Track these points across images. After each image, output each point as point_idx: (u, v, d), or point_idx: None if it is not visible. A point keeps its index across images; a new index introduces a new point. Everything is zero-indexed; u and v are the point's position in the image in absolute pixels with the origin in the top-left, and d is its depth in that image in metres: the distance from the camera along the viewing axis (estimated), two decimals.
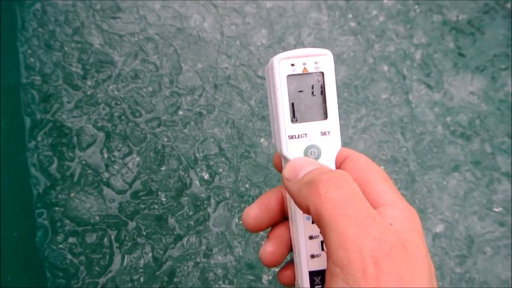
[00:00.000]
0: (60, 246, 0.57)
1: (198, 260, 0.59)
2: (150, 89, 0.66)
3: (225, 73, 0.69)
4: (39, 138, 0.61)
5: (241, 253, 0.61)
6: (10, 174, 0.55)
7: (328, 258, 0.26)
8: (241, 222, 0.62)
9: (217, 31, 0.71)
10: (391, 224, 0.28)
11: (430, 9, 0.81)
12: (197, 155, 0.64)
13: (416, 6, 0.81)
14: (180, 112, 0.65)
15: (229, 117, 0.66)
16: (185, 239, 0.60)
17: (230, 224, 0.62)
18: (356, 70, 0.73)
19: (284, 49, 0.72)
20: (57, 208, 0.59)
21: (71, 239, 0.58)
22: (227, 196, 0.63)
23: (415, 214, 0.31)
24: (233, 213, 0.62)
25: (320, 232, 0.28)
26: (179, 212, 0.61)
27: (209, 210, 0.62)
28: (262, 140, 0.66)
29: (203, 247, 0.60)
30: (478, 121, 0.75)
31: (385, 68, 0.75)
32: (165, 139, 0.64)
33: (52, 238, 0.58)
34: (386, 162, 0.70)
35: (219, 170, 0.64)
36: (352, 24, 0.76)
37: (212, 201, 0.63)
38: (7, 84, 0.60)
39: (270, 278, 0.60)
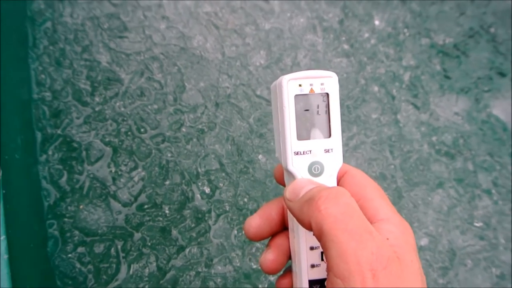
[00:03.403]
0: (70, 255, 0.61)
1: (199, 269, 0.63)
2: (155, 106, 0.69)
3: (226, 92, 0.72)
4: (49, 152, 0.64)
5: (239, 264, 0.64)
6: (24, 186, 0.58)
7: (329, 270, 0.28)
8: (240, 234, 0.65)
9: (219, 52, 0.75)
10: (387, 238, 0.30)
11: (418, 33, 0.86)
12: (199, 170, 0.68)
13: (405, 30, 0.85)
14: (183, 129, 0.69)
15: (229, 134, 0.70)
16: (187, 250, 0.64)
17: (230, 235, 0.65)
18: (349, 90, 0.78)
19: (282, 70, 0.76)
20: (66, 219, 0.62)
21: (80, 249, 0.61)
22: (227, 209, 0.67)
23: (409, 229, 0.32)
24: (232, 226, 0.66)
25: (321, 246, 0.29)
26: (182, 224, 0.65)
27: (210, 222, 0.66)
28: (260, 156, 0.70)
29: (204, 258, 0.64)
30: (462, 140, 0.80)
31: (376, 89, 0.79)
32: (169, 155, 0.67)
33: (62, 248, 0.61)
34: (375, 178, 0.74)
35: (220, 184, 0.68)
36: (346, 46, 0.81)
37: (213, 214, 0.66)
38: (21, 100, 0.63)
39: (266, 286, 0.64)
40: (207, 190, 0.67)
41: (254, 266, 0.64)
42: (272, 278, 0.64)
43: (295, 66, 0.77)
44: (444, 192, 0.76)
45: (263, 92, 0.74)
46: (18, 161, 0.55)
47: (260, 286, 0.64)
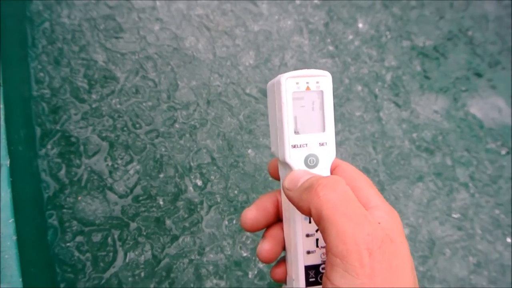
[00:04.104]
0: (69, 244, 0.63)
1: (192, 257, 0.66)
2: (150, 103, 0.72)
3: (217, 90, 0.76)
4: (48, 147, 0.67)
5: (230, 252, 0.68)
6: (26, 178, 0.61)
7: (328, 251, 0.30)
8: (230, 224, 0.69)
9: (210, 52, 0.78)
10: (379, 223, 0.32)
11: (400, 35, 0.90)
12: (192, 164, 0.71)
13: (387, 32, 0.89)
14: (176, 125, 0.72)
15: (220, 130, 0.74)
16: (180, 239, 0.67)
17: (221, 225, 0.69)
18: (333, 89, 0.81)
19: (270, 70, 0.79)
20: (65, 210, 0.65)
21: (79, 238, 0.64)
22: (218, 201, 0.70)
23: (397, 215, 0.35)
24: (223, 216, 0.69)
25: (319, 230, 0.31)
26: (175, 215, 0.68)
27: (202, 213, 0.69)
28: (249, 151, 0.73)
29: (197, 246, 0.67)
30: (441, 137, 0.84)
31: (359, 88, 0.83)
32: (163, 149, 0.71)
33: (61, 237, 0.64)
34: None
35: (211, 177, 0.71)
36: (330, 47, 0.85)
37: (205, 205, 0.69)
38: (22, 97, 0.66)
39: (256, 272, 0.67)
40: (199, 182, 0.70)
41: (244, 254, 0.67)
42: (261, 265, 0.67)
43: (283, 66, 0.81)
44: (424, 185, 0.80)
45: (252, 91, 0.77)
46: (21, 153, 0.58)
47: (250, 273, 0.67)
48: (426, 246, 0.75)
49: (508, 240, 0.79)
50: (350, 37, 0.87)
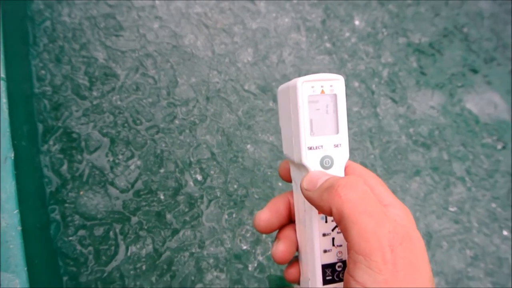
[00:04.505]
0: (71, 238, 0.64)
1: (193, 250, 0.67)
2: (150, 100, 0.73)
3: (216, 87, 0.77)
4: (50, 142, 0.68)
5: (229, 245, 0.69)
6: (28, 172, 0.61)
7: (350, 248, 0.31)
8: (230, 218, 0.70)
9: (209, 49, 0.79)
10: (395, 220, 0.32)
11: (396, 32, 0.91)
12: (192, 159, 0.72)
13: (384, 30, 0.91)
14: (176, 121, 0.73)
15: (219, 126, 0.75)
16: (181, 233, 0.68)
17: (221, 219, 0.70)
18: None
19: (268, 67, 0.81)
20: (67, 205, 0.65)
21: (81, 232, 0.65)
22: (218, 195, 0.71)
23: (409, 212, 0.35)
24: (223, 210, 0.70)
25: (340, 229, 0.32)
26: (176, 209, 0.69)
27: (202, 207, 0.70)
28: (248, 146, 0.74)
29: (197, 240, 0.68)
30: (437, 132, 0.85)
31: (356, 84, 0.84)
32: (163, 145, 0.72)
33: (63, 231, 0.64)
34: None
35: (211, 172, 0.72)
36: (328, 44, 0.86)
37: (205, 199, 0.70)
38: (24, 94, 0.67)
39: (255, 265, 0.68)
40: (199, 177, 0.71)
41: (244, 247, 0.68)
42: (261, 258, 0.68)
43: (281, 63, 0.82)
44: (421, 180, 0.81)
45: (251, 87, 0.78)
46: (24, 148, 0.59)
47: (250, 265, 0.68)
48: (424, 239, 0.75)
49: (505, 233, 0.80)
50: (347, 34, 0.88)
